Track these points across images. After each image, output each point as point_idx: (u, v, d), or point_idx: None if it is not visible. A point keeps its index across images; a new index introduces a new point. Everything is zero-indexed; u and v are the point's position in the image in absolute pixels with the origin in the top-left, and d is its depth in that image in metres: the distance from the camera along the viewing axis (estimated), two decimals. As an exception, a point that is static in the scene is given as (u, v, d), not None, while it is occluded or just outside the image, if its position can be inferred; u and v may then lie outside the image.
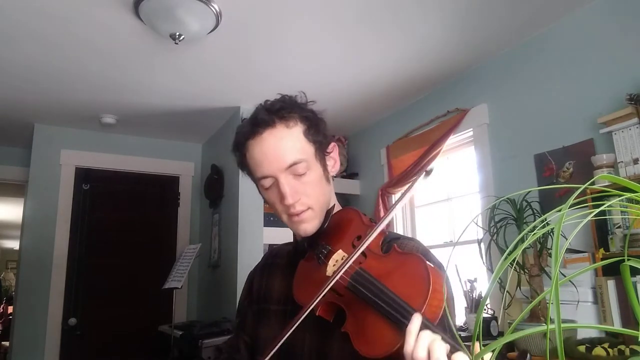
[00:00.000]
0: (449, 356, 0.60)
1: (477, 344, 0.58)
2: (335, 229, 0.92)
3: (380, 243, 0.84)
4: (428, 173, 0.77)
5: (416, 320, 0.65)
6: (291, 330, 0.77)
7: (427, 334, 0.63)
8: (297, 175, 0.90)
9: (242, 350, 1.04)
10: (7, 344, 5.62)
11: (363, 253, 0.81)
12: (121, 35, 2.23)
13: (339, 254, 0.86)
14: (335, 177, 1.02)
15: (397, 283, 0.73)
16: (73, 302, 3.45)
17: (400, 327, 0.67)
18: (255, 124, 0.92)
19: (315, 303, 0.77)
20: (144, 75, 2.72)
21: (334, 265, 0.85)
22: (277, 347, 0.77)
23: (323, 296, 0.78)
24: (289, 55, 2.50)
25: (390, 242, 0.87)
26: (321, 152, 0.95)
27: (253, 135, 0.91)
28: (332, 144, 1.00)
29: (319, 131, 0.95)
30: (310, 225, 0.92)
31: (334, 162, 1.00)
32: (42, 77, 2.69)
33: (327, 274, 0.84)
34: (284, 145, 0.90)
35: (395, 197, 3.26)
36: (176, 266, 3.11)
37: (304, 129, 0.93)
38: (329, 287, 0.77)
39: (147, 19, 2.04)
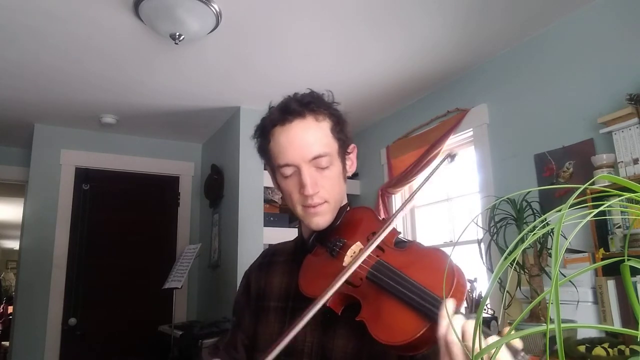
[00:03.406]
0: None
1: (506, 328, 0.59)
2: (349, 225, 0.93)
3: (393, 241, 0.86)
4: (452, 157, 0.79)
5: (450, 303, 0.65)
6: (303, 322, 0.76)
7: (460, 317, 0.63)
8: (319, 168, 0.91)
9: (240, 349, 1.04)
10: (7, 344, 5.62)
11: (380, 248, 0.82)
12: (121, 35, 2.23)
13: (357, 246, 0.86)
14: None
15: (420, 274, 0.74)
16: (73, 302, 3.45)
17: (425, 314, 0.68)
18: (285, 112, 0.92)
19: (332, 292, 0.77)
20: (144, 75, 2.72)
21: (351, 256, 0.85)
22: (287, 339, 0.76)
23: (340, 285, 0.78)
24: (289, 55, 2.50)
25: (400, 243, 0.88)
26: (343, 151, 0.97)
27: (282, 122, 0.92)
28: (353, 145, 1.02)
29: (343, 130, 0.97)
30: (323, 219, 0.93)
31: (352, 163, 1.02)
32: (42, 77, 2.69)
33: (344, 264, 0.84)
34: (312, 136, 0.91)
35: (395, 198, 3.26)
36: (176, 266, 3.12)
37: (331, 125, 0.94)
38: (347, 274, 0.77)
39: (147, 19, 2.04)
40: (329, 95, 0.99)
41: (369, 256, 0.79)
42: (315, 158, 0.90)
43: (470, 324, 0.62)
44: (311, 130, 0.91)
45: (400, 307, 0.72)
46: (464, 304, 0.72)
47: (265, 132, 0.96)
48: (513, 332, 0.60)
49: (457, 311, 0.66)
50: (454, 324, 0.62)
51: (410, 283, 0.72)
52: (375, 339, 0.71)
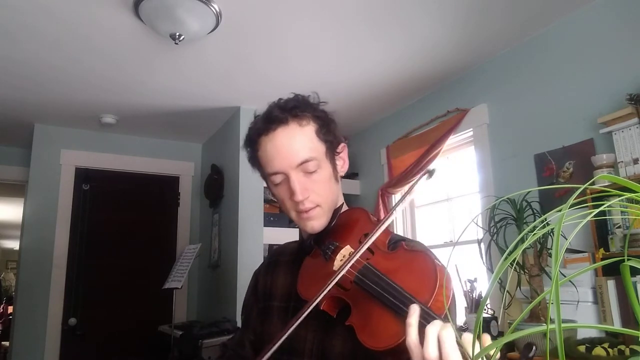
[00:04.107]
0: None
1: (486, 336, 0.58)
2: (342, 227, 0.93)
3: (386, 242, 0.86)
4: (431, 174, 0.78)
5: (414, 311, 0.64)
6: (296, 324, 0.77)
7: (434, 326, 0.62)
8: (307, 172, 0.91)
9: (247, 347, 1.05)
10: (7, 344, 5.62)
11: (370, 250, 0.82)
12: (121, 35, 2.23)
13: (347, 250, 0.87)
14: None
15: (404, 278, 0.74)
16: (73, 302, 3.45)
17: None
18: (268, 120, 0.93)
19: (321, 297, 0.78)
20: (144, 75, 2.72)
21: (341, 260, 0.86)
22: (281, 340, 0.77)
23: (329, 290, 0.78)
24: (288, 55, 2.50)
25: (397, 242, 0.88)
26: (332, 152, 0.97)
27: (266, 131, 0.93)
28: (342, 144, 1.01)
29: (330, 131, 0.96)
30: (317, 222, 0.94)
31: (343, 162, 1.02)
32: (42, 76, 2.69)
33: (334, 268, 0.85)
34: (296, 142, 0.91)
35: (395, 197, 3.26)
36: (176, 266, 3.11)
37: (316, 128, 0.94)
38: (335, 280, 0.78)
39: (147, 19, 2.04)
40: (315, 97, 0.99)
41: (357, 260, 0.80)
42: (302, 163, 0.90)
43: (446, 332, 0.60)
44: (295, 136, 0.91)
45: (384, 312, 0.72)
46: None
47: (252, 143, 0.96)
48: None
49: (434, 318, 0.64)
50: (430, 335, 0.61)
51: (394, 288, 0.72)
52: (361, 343, 0.71)
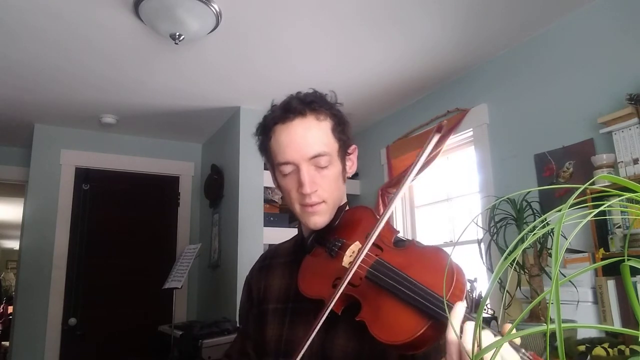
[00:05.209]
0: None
1: (506, 325, 0.59)
2: (347, 225, 0.93)
3: (392, 239, 0.86)
4: (440, 129, 0.78)
5: (460, 306, 0.64)
6: (320, 323, 0.76)
7: (470, 323, 0.62)
8: (318, 167, 0.91)
9: (252, 355, 1.05)
10: (7, 344, 5.62)
11: (379, 247, 0.82)
12: (121, 35, 2.23)
13: (356, 245, 0.86)
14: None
15: (419, 273, 0.74)
16: (73, 302, 3.45)
17: (426, 313, 0.68)
18: (286, 110, 0.93)
19: (339, 293, 0.77)
20: (144, 75, 2.72)
21: (350, 255, 0.85)
22: (308, 341, 0.76)
23: (345, 285, 0.78)
24: (288, 56, 2.50)
25: (404, 241, 0.89)
26: (343, 151, 0.97)
27: (283, 120, 0.93)
28: (354, 146, 1.02)
29: (344, 130, 0.97)
30: (321, 218, 0.93)
31: (352, 163, 1.02)
32: (42, 76, 2.69)
33: (344, 264, 0.85)
34: (312, 135, 0.91)
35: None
36: (176, 266, 3.11)
37: (332, 125, 0.95)
38: (350, 274, 0.78)
39: (147, 19, 2.04)
40: (332, 96, 0.99)
41: (368, 255, 0.80)
42: (314, 157, 0.90)
43: (470, 324, 0.61)
44: (312, 129, 0.92)
45: (400, 306, 0.72)
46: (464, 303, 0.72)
47: (266, 130, 0.96)
48: (513, 331, 0.60)
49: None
50: (454, 323, 0.61)
51: (410, 282, 0.72)
52: (376, 338, 0.71)
